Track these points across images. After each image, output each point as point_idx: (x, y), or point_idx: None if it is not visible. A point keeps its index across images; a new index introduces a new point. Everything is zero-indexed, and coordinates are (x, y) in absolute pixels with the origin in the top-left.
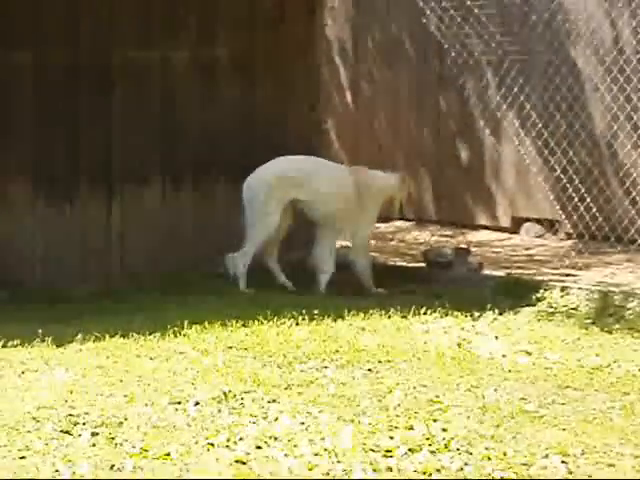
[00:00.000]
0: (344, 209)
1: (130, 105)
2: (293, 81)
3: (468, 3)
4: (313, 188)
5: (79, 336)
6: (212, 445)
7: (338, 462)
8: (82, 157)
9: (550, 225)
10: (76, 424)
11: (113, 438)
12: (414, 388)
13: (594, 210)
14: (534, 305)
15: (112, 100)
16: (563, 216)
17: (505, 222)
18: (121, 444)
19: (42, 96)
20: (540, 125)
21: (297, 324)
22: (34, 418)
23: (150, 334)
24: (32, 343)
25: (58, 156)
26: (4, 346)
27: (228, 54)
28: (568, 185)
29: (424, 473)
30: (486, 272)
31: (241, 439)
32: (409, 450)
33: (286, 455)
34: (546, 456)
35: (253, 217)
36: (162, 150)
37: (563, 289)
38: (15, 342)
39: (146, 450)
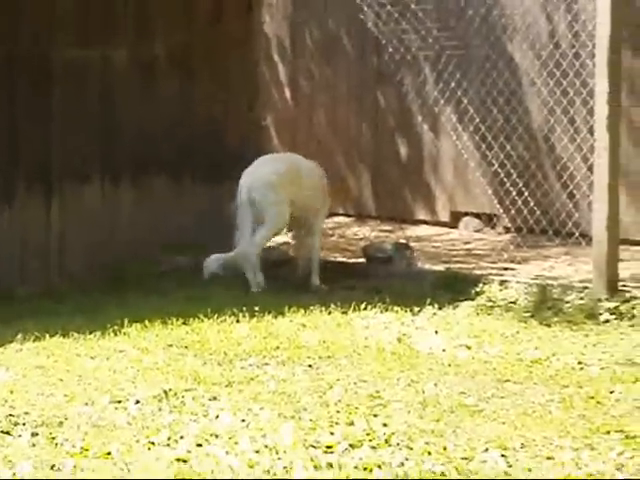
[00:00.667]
0: (318, 202)
1: (69, 104)
2: (231, 78)
3: None
4: (303, 185)
5: (19, 336)
6: (153, 444)
7: (279, 459)
8: (20, 156)
9: (489, 219)
10: (16, 424)
11: (53, 438)
12: (354, 384)
13: (532, 204)
14: (473, 299)
15: (51, 99)
16: (501, 210)
17: (444, 217)
18: (61, 444)
19: None
20: (478, 120)
21: (238, 321)
22: None
23: (90, 333)
24: None
25: None
26: None
27: (166, 52)
28: (506, 179)
29: (365, 469)
30: (425, 267)
31: (182, 437)
32: (350, 446)
33: (227, 452)
34: (486, 450)
35: (263, 215)
36: (101, 148)
37: (502, 283)
38: None
39: (86, 449)
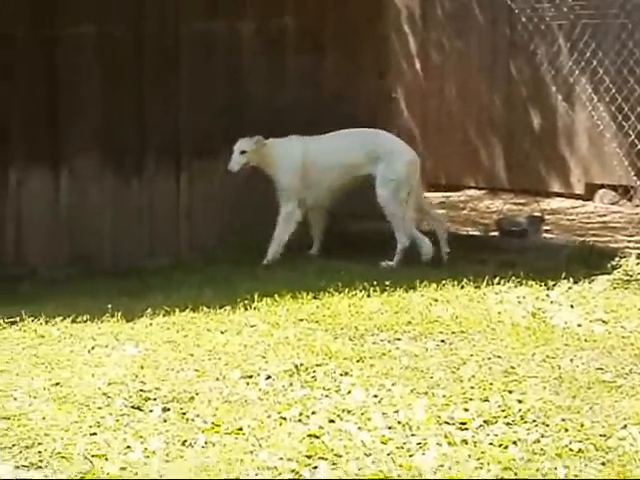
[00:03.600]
0: None
1: (196, 77)
2: (362, 50)
3: None
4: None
5: (149, 310)
6: (284, 419)
7: (412, 435)
8: (149, 130)
9: (625, 191)
10: (147, 399)
11: (184, 413)
12: (488, 359)
13: None
14: (609, 273)
15: (178, 73)
16: (638, 182)
17: (579, 189)
18: (192, 419)
19: (108, 70)
20: (614, 90)
21: (369, 296)
22: (105, 394)
23: (220, 307)
24: (102, 318)
25: (126, 129)
26: (74, 321)
27: (296, 24)
28: None
29: (500, 445)
30: (560, 240)
31: (314, 413)
32: (484, 422)
33: (359, 428)
34: (624, 427)
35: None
36: (229, 122)
37: (639, 256)
38: (84, 317)
39: (218, 425)
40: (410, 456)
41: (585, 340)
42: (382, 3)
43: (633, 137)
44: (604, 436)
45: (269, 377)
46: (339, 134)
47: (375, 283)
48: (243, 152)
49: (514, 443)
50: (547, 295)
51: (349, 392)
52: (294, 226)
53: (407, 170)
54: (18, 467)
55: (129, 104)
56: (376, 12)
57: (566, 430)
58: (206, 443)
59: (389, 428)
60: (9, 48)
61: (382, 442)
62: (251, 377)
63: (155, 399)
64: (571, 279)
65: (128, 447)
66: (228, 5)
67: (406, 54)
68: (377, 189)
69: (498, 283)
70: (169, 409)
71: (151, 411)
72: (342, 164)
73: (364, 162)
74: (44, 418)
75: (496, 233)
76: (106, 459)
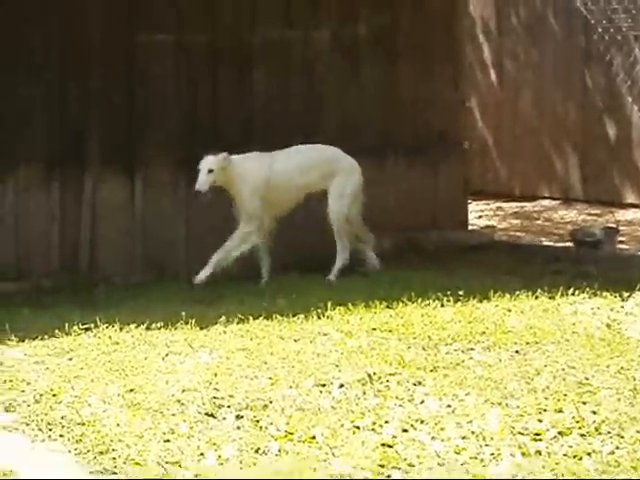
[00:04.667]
0: None
1: (271, 85)
2: (435, 59)
3: None
4: None
5: (222, 318)
6: (358, 428)
7: (486, 445)
8: (223, 137)
9: None
10: (220, 407)
11: (258, 421)
12: (562, 370)
13: None
14: None
15: (254, 80)
16: None
17: None
18: (266, 427)
19: (184, 78)
20: None
21: (442, 305)
22: (178, 401)
23: (293, 315)
24: (175, 325)
25: (199, 137)
26: (148, 328)
27: (369, 33)
28: None
29: (574, 457)
30: (635, 251)
31: (387, 422)
32: (558, 433)
33: (433, 438)
34: None
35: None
36: (303, 129)
37: None
38: (159, 324)
39: (291, 433)
40: (483, 466)
41: None
42: (457, 12)
43: None
44: None
45: (342, 385)
46: (298, 150)
47: (449, 293)
48: (210, 171)
49: (588, 455)
50: (622, 306)
51: (422, 401)
52: (248, 248)
53: (360, 186)
54: (92, 472)
55: (204, 112)
56: (451, 21)
57: None
58: (279, 451)
59: (463, 438)
60: (87, 53)
61: (455, 452)
62: (324, 385)
63: (229, 406)
64: None
65: (202, 454)
66: (303, 14)
67: (480, 63)
68: (330, 204)
69: (572, 294)
70: (242, 416)
71: (224, 418)
72: (303, 182)
73: (321, 178)
74: (118, 424)
75: (570, 244)
76: (180, 466)
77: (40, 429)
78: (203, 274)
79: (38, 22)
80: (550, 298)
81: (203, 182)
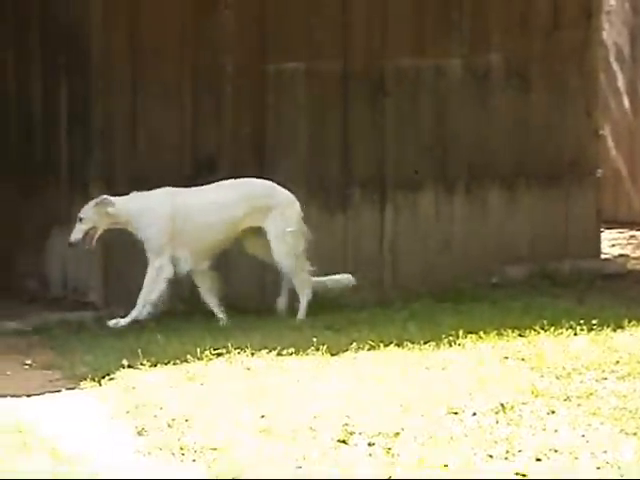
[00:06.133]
0: None
1: (402, 113)
2: (569, 87)
3: None
4: None
5: (353, 345)
6: (491, 457)
7: (621, 476)
8: (354, 165)
9: None
10: (352, 434)
11: (389, 449)
12: None
13: None
14: None
15: (384, 108)
16: None
17: None
18: (398, 454)
19: (315, 106)
20: None
21: (575, 334)
22: (310, 427)
23: (425, 343)
24: (307, 351)
25: (331, 163)
26: (279, 354)
27: (502, 61)
28: None
29: None
30: None
31: (520, 451)
32: None
33: (567, 468)
34: None
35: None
36: (434, 158)
37: None
38: (290, 350)
39: (423, 461)
40: None
41: None
42: (590, 40)
43: None
44: None
45: (475, 414)
46: (219, 186)
47: (582, 322)
48: (80, 219)
49: None
50: None
51: (556, 431)
52: (164, 283)
53: (300, 220)
54: None
55: (335, 138)
56: (584, 49)
57: None
58: None
59: (597, 468)
60: (219, 80)
61: None
62: (457, 414)
63: (360, 433)
64: None
65: None
66: (434, 42)
67: (614, 91)
68: (272, 244)
69: None
70: (374, 444)
71: (356, 445)
72: (222, 219)
73: (251, 215)
74: (250, 450)
75: None
76: None
77: (173, 453)
78: (124, 320)
79: (171, 56)
80: None
81: (75, 231)
